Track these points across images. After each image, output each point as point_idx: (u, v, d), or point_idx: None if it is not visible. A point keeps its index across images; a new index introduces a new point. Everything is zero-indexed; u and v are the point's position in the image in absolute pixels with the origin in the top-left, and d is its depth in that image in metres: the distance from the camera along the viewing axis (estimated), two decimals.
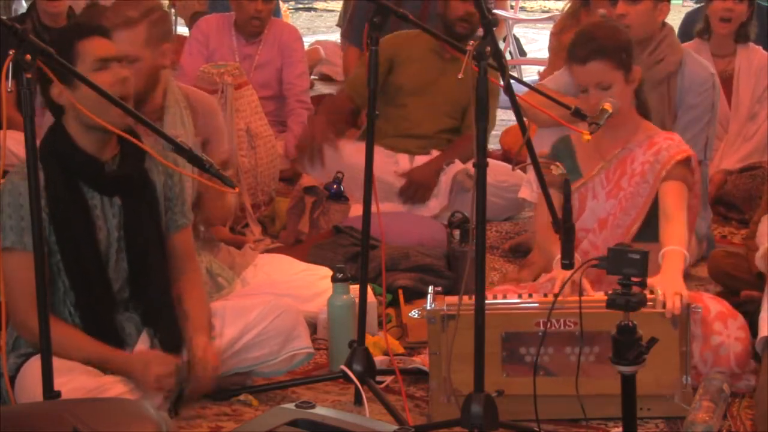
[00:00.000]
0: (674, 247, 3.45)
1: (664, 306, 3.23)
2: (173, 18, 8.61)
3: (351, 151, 5.10)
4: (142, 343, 3.25)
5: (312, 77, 8.15)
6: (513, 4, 10.47)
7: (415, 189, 5.12)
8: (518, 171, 5.15)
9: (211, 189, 3.48)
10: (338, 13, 9.51)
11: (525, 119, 3.23)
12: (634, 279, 2.62)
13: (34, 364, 2.95)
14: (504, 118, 5.96)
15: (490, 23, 2.96)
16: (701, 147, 4.49)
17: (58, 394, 2.71)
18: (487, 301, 3.05)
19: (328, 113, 5.30)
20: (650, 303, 3.17)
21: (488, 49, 2.92)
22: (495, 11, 8.15)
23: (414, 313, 3.38)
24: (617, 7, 4.44)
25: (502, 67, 3.01)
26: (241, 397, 3.43)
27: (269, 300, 3.49)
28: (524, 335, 3.27)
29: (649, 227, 3.66)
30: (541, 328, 3.21)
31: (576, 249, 3.39)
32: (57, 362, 2.77)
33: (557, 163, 3.34)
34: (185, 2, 8.30)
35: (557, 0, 13.53)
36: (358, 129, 5.61)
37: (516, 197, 4.88)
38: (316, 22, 13.83)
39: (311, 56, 8.15)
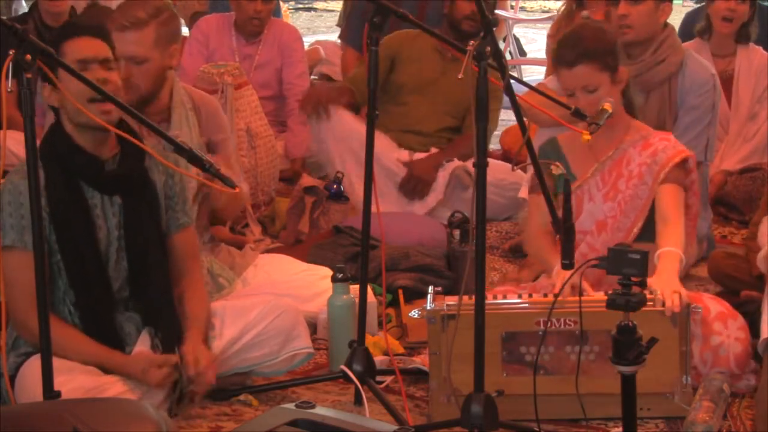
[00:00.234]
0: (670, 249, 3.45)
1: (663, 304, 3.23)
2: None
3: (349, 119, 5.11)
4: (142, 343, 3.25)
5: (312, 77, 8.14)
6: (513, 4, 10.47)
7: (415, 183, 5.13)
8: (518, 170, 5.17)
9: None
10: (338, 13, 9.50)
11: (525, 119, 3.23)
12: (634, 279, 2.62)
13: (34, 364, 2.95)
14: (504, 118, 5.95)
15: (490, 23, 2.96)
16: (702, 148, 4.49)
17: (58, 393, 2.72)
18: (487, 301, 3.05)
19: (330, 88, 5.33)
20: (650, 302, 3.17)
21: (488, 49, 2.92)
22: (495, 11, 8.15)
23: (414, 313, 3.38)
24: (619, 7, 4.43)
25: (502, 67, 3.01)
26: (241, 397, 3.43)
27: (269, 300, 3.49)
28: (524, 335, 3.27)
29: (648, 228, 3.66)
30: (541, 327, 3.21)
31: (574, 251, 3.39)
32: (57, 362, 2.78)
33: (557, 163, 3.34)
34: (185, 2, 8.29)
35: (557, 0, 13.53)
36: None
37: (515, 196, 4.88)
38: (316, 22, 13.83)
39: (311, 56, 8.14)
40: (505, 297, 3.41)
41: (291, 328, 3.44)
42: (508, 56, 8.83)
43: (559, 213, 3.23)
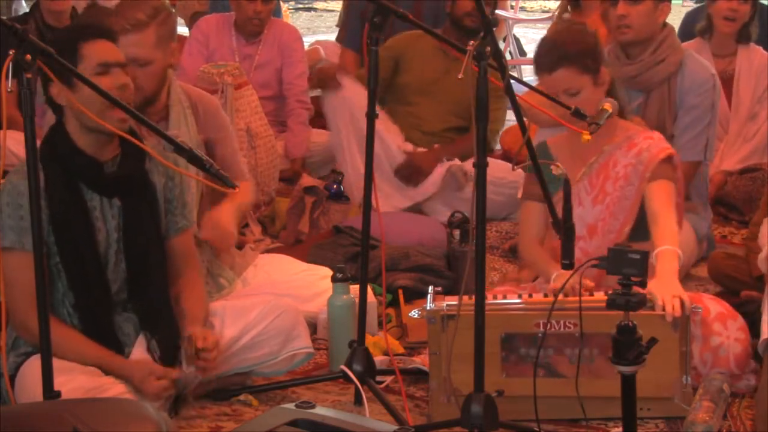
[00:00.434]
0: (667, 247, 3.43)
1: (663, 309, 3.23)
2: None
3: (357, 90, 5.16)
4: (140, 345, 3.25)
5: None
6: (513, 4, 10.46)
7: (412, 171, 5.14)
8: (518, 169, 5.16)
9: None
10: (338, 13, 9.51)
11: (525, 119, 3.23)
12: (634, 279, 2.62)
13: (34, 364, 2.95)
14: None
15: (490, 23, 2.96)
16: (701, 148, 4.49)
17: (58, 394, 2.71)
18: (487, 302, 3.05)
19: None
20: (649, 304, 3.18)
21: (488, 49, 2.92)
22: (495, 11, 8.15)
23: (414, 313, 3.38)
24: (618, 7, 4.43)
25: (502, 67, 3.01)
26: (241, 397, 3.43)
27: (269, 300, 3.49)
28: (524, 336, 3.27)
29: (640, 228, 3.65)
30: (541, 329, 3.21)
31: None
32: (56, 362, 2.77)
33: (557, 164, 3.34)
34: (185, 2, 8.29)
35: (557, 0, 13.53)
36: None
37: (514, 194, 4.88)
38: (316, 22, 13.83)
39: (311, 56, 8.13)
40: (505, 297, 3.41)
41: (291, 328, 3.44)
42: (508, 56, 8.83)
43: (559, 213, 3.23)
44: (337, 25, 9.01)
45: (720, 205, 5.29)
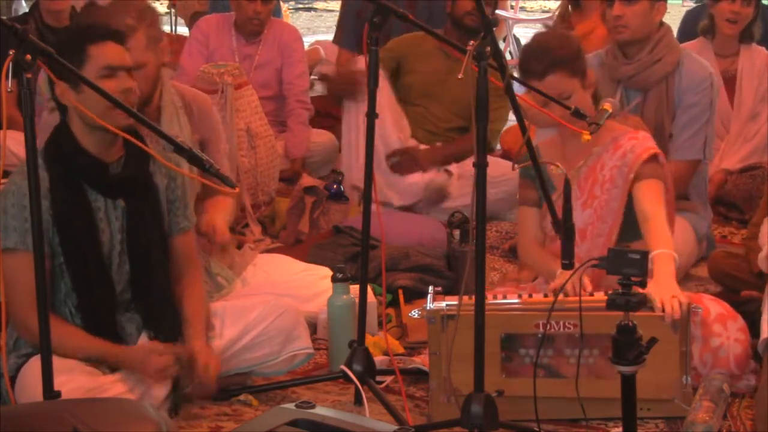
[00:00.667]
0: (662, 251, 3.42)
1: (663, 311, 3.23)
2: (173, 18, 8.65)
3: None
4: (142, 342, 3.25)
5: (312, 77, 8.14)
6: (513, 4, 10.47)
7: (405, 160, 5.14)
8: (502, 160, 5.18)
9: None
10: (338, 13, 9.50)
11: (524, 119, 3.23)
12: (634, 279, 2.62)
13: (35, 365, 2.95)
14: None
15: (490, 23, 2.96)
16: (700, 146, 4.49)
17: (58, 394, 2.71)
18: (487, 302, 3.05)
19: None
20: (648, 305, 3.18)
21: (488, 49, 2.92)
22: (495, 11, 8.15)
23: (414, 313, 3.38)
24: (614, 8, 4.43)
25: (502, 67, 3.01)
26: (241, 397, 3.43)
27: (269, 300, 3.49)
28: (524, 336, 3.27)
29: (629, 228, 3.64)
30: (541, 329, 3.21)
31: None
32: (57, 362, 2.78)
33: (557, 163, 3.34)
34: (185, 2, 8.30)
35: (557, 0, 13.53)
36: None
37: (512, 191, 4.89)
38: (316, 22, 13.83)
39: (311, 56, 8.14)
40: (505, 297, 3.41)
41: (291, 329, 3.45)
42: (508, 56, 8.83)
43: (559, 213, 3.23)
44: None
45: (720, 205, 5.29)
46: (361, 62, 5.13)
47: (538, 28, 11.25)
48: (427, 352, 3.38)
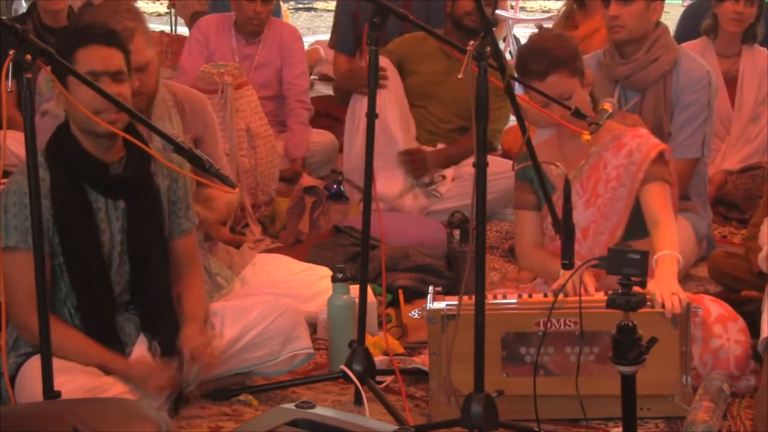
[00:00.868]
0: (667, 252, 3.43)
1: (663, 306, 3.23)
2: (173, 18, 8.65)
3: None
4: (141, 344, 3.25)
5: (312, 77, 8.15)
6: (513, 4, 10.47)
7: (417, 160, 5.13)
8: (506, 161, 5.17)
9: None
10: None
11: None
12: (634, 279, 2.62)
13: (34, 364, 2.95)
14: None
15: (490, 23, 2.96)
16: (698, 145, 4.49)
17: (58, 394, 2.71)
18: (487, 301, 3.05)
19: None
20: (649, 303, 3.18)
21: (488, 49, 2.92)
22: (495, 11, 8.15)
23: (414, 313, 3.38)
24: (610, 8, 4.44)
25: (502, 67, 3.01)
26: (241, 397, 3.43)
27: (269, 300, 3.49)
28: (524, 335, 3.27)
29: (633, 226, 3.64)
30: (541, 328, 3.21)
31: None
32: (57, 362, 2.78)
33: (557, 163, 3.34)
34: (185, 2, 8.30)
35: (557, 0, 13.52)
36: None
37: (505, 188, 4.90)
38: (316, 22, 13.83)
39: (311, 56, 8.15)
40: (505, 297, 3.41)
41: (291, 329, 3.45)
42: (508, 56, 8.83)
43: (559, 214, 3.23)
44: None
45: (720, 205, 5.29)
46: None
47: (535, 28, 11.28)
48: (427, 352, 3.38)
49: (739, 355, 3.42)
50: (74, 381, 3.01)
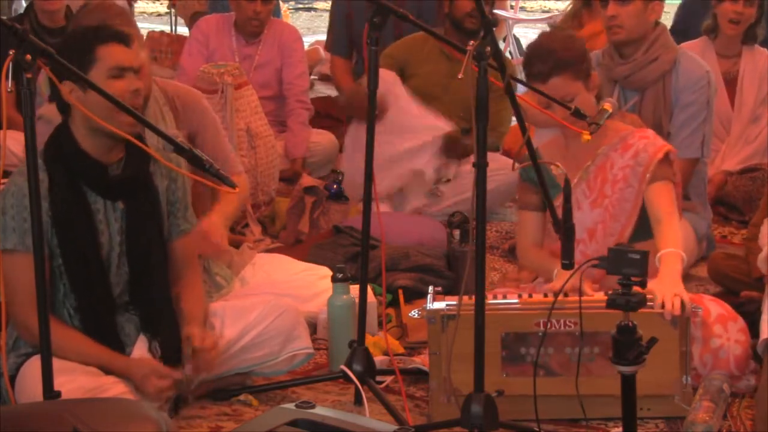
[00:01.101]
0: (670, 250, 3.43)
1: (663, 307, 3.23)
2: (173, 18, 8.65)
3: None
4: (141, 344, 3.25)
5: (312, 77, 8.15)
6: (513, 4, 10.46)
7: (459, 146, 5.10)
8: (503, 157, 5.18)
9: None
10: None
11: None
12: (634, 279, 2.62)
13: (34, 364, 2.95)
14: None
15: (490, 23, 2.96)
16: (698, 145, 4.50)
17: (58, 394, 2.71)
18: (487, 301, 3.05)
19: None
20: (649, 303, 3.17)
21: (488, 49, 2.92)
22: (495, 11, 8.15)
23: (414, 313, 3.38)
24: (608, 8, 4.44)
25: (502, 68, 3.01)
26: (241, 397, 3.43)
27: (269, 300, 3.49)
28: (524, 335, 3.27)
29: (641, 227, 3.64)
30: (541, 328, 3.21)
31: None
32: (57, 362, 2.78)
33: (557, 164, 3.34)
34: (185, 2, 8.30)
35: (557, 0, 13.53)
36: None
37: (500, 185, 4.89)
38: (316, 22, 13.82)
39: (311, 56, 8.15)
40: (505, 297, 3.41)
41: (291, 329, 3.45)
42: (508, 56, 8.83)
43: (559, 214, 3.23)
44: None
45: (720, 205, 5.29)
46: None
47: (539, 28, 11.28)
48: (427, 352, 3.38)
49: (739, 355, 3.42)
50: (74, 381, 3.01)
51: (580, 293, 3.02)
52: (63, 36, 3.98)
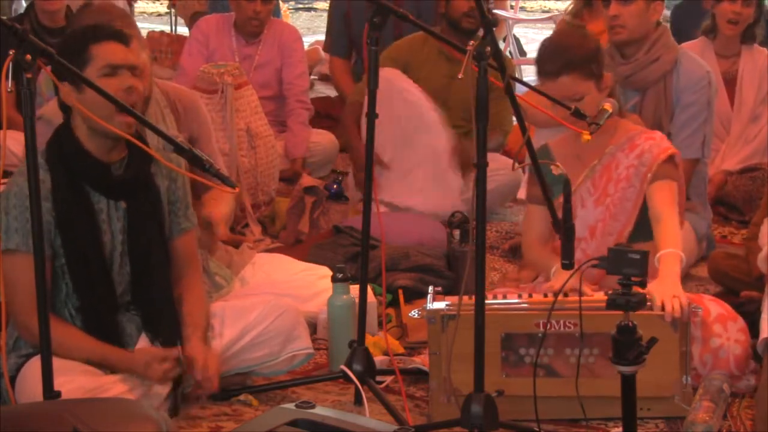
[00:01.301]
0: (669, 250, 3.43)
1: (663, 309, 3.23)
2: (173, 18, 8.66)
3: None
4: (142, 343, 3.26)
5: (312, 77, 8.15)
6: (513, 4, 10.47)
7: (467, 159, 5.08)
8: (503, 157, 5.17)
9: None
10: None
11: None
12: (634, 279, 2.62)
13: (35, 365, 2.95)
14: None
15: (490, 23, 2.96)
16: (698, 145, 4.50)
17: (58, 394, 2.71)
18: (487, 301, 3.05)
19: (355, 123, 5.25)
20: (648, 304, 3.17)
21: (488, 49, 2.92)
22: (495, 11, 8.15)
23: (414, 313, 3.38)
24: (610, 8, 4.44)
25: (502, 68, 3.01)
26: (241, 397, 3.43)
27: (269, 300, 3.49)
28: (524, 336, 3.27)
29: (642, 228, 3.64)
30: (541, 328, 3.21)
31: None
32: (57, 362, 2.78)
33: (557, 164, 3.34)
34: (185, 2, 8.30)
35: (557, 0, 13.53)
36: None
37: (499, 186, 4.88)
38: (316, 22, 13.82)
39: (311, 56, 8.15)
40: (505, 297, 3.41)
41: (291, 329, 3.44)
42: (508, 56, 8.82)
43: (559, 213, 3.23)
44: None
45: (720, 205, 5.29)
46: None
47: (538, 28, 11.28)
48: (427, 352, 3.38)
49: (738, 354, 3.42)
50: (74, 381, 3.01)
51: (580, 293, 3.02)
52: (62, 36, 3.98)
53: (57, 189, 3.15)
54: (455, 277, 4.27)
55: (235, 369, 3.43)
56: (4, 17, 3.87)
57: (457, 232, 4.37)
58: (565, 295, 3.19)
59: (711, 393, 3.25)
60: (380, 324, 3.86)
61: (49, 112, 3.57)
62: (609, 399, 3.07)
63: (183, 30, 8.49)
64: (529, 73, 8.75)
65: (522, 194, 4.70)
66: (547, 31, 9.23)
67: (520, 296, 3.40)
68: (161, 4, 13.62)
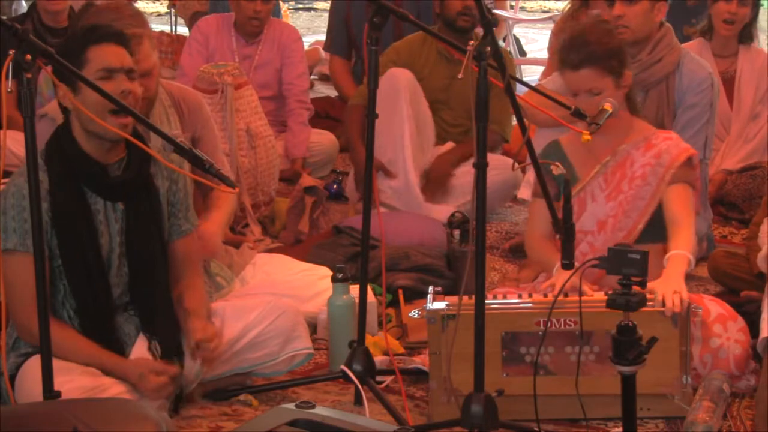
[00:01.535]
0: (679, 252, 3.44)
1: (663, 305, 3.23)
2: (173, 18, 8.65)
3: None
4: (140, 344, 3.25)
5: (312, 77, 8.15)
6: (513, 4, 10.46)
7: (434, 186, 5.09)
8: (502, 156, 5.17)
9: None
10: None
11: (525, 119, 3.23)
12: (634, 279, 2.62)
13: (34, 364, 2.95)
14: None
15: (490, 23, 2.96)
16: (700, 146, 4.49)
17: (58, 394, 2.71)
18: (487, 301, 3.05)
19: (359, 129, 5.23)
20: (650, 302, 3.18)
21: (488, 49, 2.92)
22: (495, 11, 8.14)
23: (414, 313, 3.38)
24: (614, 8, 4.44)
25: (502, 68, 3.01)
26: (241, 397, 3.43)
27: (269, 300, 3.49)
28: (524, 335, 3.27)
29: (652, 228, 3.65)
30: (542, 327, 3.21)
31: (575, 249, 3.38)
32: (56, 362, 2.78)
33: (557, 163, 3.34)
34: (185, 2, 8.30)
35: (557, 0, 13.51)
36: None
37: (498, 185, 4.88)
38: (316, 22, 13.81)
39: (311, 56, 8.15)
40: (505, 297, 3.41)
41: (291, 329, 3.44)
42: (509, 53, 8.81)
43: (559, 213, 3.23)
44: None
45: (720, 205, 5.29)
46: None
47: (538, 28, 11.27)
48: (427, 352, 3.38)
49: (738, 354, 3.43)
50: (74, 381, 3.01)
51: (580, 293, 3.02)
52: (57, 36, 3.99)
53: (55, 189, 3.14)
54: (455, 277, 4.27)
55: (235, 369, 3.43)
56: (5, 17, 3.87)
57: (457, 232, 4.37)
58: (566, 294, 3.20)
59: (711, 393, 3.25)
60: (380, 324, 3.86)
61: (53, 110, 3.57)
62: (609, 399, 3.07)
63: (183, 30, 8.49)
64: (530, 73, 8.76)
65: (522, 194, 4.69)
66: (547, 31, 9.23)
67: (520, 296, 3.40)
68: (161, 4, 13.61)
